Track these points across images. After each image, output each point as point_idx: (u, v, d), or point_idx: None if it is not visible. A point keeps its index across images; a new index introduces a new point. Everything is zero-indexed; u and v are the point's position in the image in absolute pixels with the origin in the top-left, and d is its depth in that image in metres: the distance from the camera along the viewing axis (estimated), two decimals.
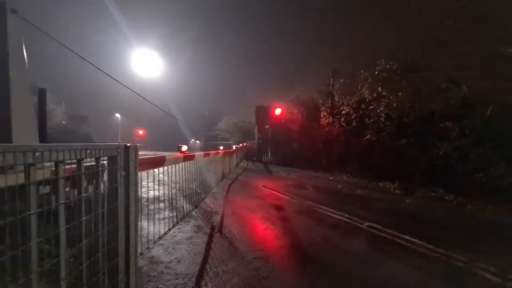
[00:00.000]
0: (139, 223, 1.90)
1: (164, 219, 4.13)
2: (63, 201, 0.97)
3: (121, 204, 1.37)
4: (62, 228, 0.96)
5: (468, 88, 8.22)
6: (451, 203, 6.36)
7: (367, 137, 11.28)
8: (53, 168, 1.09)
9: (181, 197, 4.85)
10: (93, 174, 1.24)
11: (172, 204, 4.34)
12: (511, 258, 3.21)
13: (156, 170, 4.00)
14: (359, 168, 11.11)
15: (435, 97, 9.00)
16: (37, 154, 0.79)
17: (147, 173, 3.75)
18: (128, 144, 1.46)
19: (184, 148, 4.83)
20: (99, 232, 1.23)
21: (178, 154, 4.50)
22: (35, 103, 2.98)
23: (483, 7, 8.23)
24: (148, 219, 3.87)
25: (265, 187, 8.14)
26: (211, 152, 7.24)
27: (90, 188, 1.26)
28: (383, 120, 10.70)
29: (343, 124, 13.24)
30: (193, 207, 5.06)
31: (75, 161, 1.14)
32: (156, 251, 3.12)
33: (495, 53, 7.43)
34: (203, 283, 2.46)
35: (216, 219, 4.52)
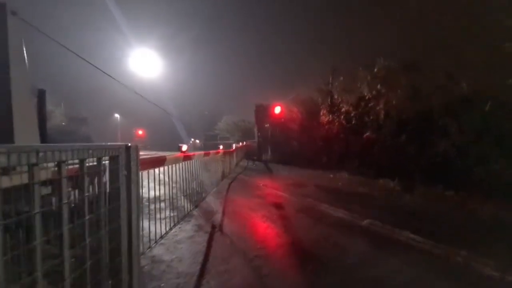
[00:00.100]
0: (140, 223, 1.91)
1: (165, 218, 4.14)
2: (67, 201, 0.98)
3: (123, 203, 1.38)
4: (66, 227, 0.97)
5: (467, 85, 8.22)
6: (450, 199, 6.38)
7: (367, 134, 11.29)
8: (54, 169, 1.10)
9: (182, 197, 4.87)
10: (95, 174, 1.25)
11: (172, 203, 4.35)
12: (511, 254, 3.23)
13: (156, 170, 4.02)
14: (359, 166, 11.11)
15: (434, 94, 9.00)
16: (40, 154, 0.80)
17: (148, 173, 3.75)
18: (129, 144, 1.47)
19: (184, 147, 4.85)
20: (102, 231, 1.24)
21: (179, 153, 4.52)
22: (35, 104, 2.99)
23: (482, 4, 8.23)
24: (149, 219, 3.88)
25: (265, 185, 8.16)
26: (211, 151, 7.25)
27: (92, 188, 1.27)
28: (382, 117, 10.70)
29: (343, 122, 13.25)
30: (193, 206, 5.08)
31: (76, 161, 1.15)
32: (158, 251, 3.14)
33: (494, 50, 7.44)
34: (205, 282, 2.47)
35: (217, 218, 4.54)
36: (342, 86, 13.95)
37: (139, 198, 1.69)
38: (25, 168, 0.87)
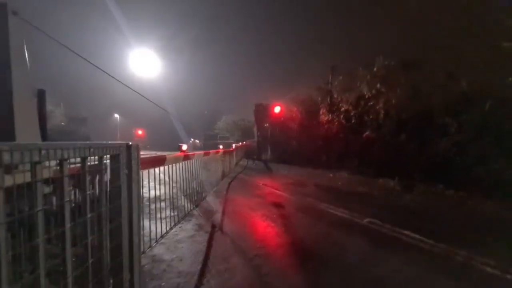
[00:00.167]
0: (141, 221, 1.92)
1: (165, 218, 4.14)
2: (69, 199, 0.99)
3: (124, 202, 1.39)
4: (68, 225, 0.97)
5: (467, 83, 8.23)
6: (450, 198, 6.39)
7: (366, 134, 11.30)
8: (56, 168, 1.10)
9: (182, 196, 4.87)
10: (96, 172, 1.25)
11: (173, 203, 4.36)
12: (511, 252, 3.24)
13: (157, 170, 4.02)
14: (359, 165, 11.13)
15: (434, 93, 9.01)
16: (42, 152, 0.81)
17: (148, 173, 3.76)
18: (130, 143, 1.48)
19: (185, 147, 4.85)
20: (103, 230, 1.25)
21: (179, 153, 4.52)
22: (35, 104, 2.99)
23: (482, 4, 8.24)
24: (149, 219, 3.88)
25: (265, 185, 8.16)
26: (211, 151, 7.25)
27: (93, 186, 1.28)
28: (382, 116, 10.71)
29: (342, 121, 13.26)
30: (194, 206, 5.08)
31: (77, 160, 1.16)
32: (158, 250, 3.14)
33: (494, 48, 7.45)
34: (205, 281, 2.48)
35: (217, 217, 4.54)
36: (341, 86, 13.96)
37: (140, 196, 1.69)
38: (27, 167, 0.88)
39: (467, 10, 8.57)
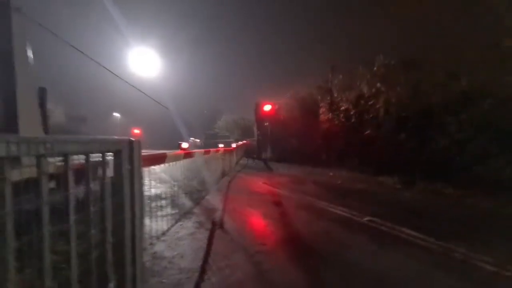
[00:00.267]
0: (143, 216, 1.93)
1: (166, 216, 4.16)
2: (72, 191, 1.00)
3: (127, 197, 1.40)
4: (73, 217, 0.99)
5: (467, 82, 8.24)
6: (450, 196, 6.41)
7: (367, 132, 11.31)
8: (58, 164, 1.11)
9: (183, 195, 4.89)
10: (99, 167, 1.27)
11: (173, 201, 4.38)
12: (509, 249, 3.25)
13: (158, 169, 4.03)
14: (359, 163, 11.15)
15: (434, 91, 9.02)
16: (47, 145, 0.82)
17: (149, 171, 3.77)
18: (132, 139, 1.49)
19: (185, 145, 4.86)
20: (106, 225, 1.26)
21: (179, 151, 4.53)
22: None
23: (481, 3, 8.23)
24: (150, 216, 3.90)
25: (265, 183, 8.18)
26: (211, 150, 7.27)
27: (96, 182, 1.29)
28: (382, 115, 10.72)
29: (342, 119, 13.28)
30: (194, 204, 5.10)
31: (80, 157, 1.17)
32: (159, 247, 3.15)
33: (494, 47, 7.45)
34: (207, 277, 2.49)
35: (218, 215, 4.55)
36: (341, 84, 13.98)
37: (142, 192, 1.70)
38: (31, 163, 0.89)
39: (466, 9, 8.57)
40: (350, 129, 12.65)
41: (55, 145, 0.86)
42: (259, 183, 8.34)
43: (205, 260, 2.84)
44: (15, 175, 0.81)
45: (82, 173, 1.17)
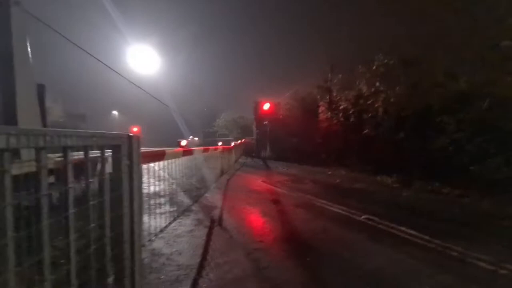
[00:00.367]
0: (142, 211, 1.93)
1: (164, 213, 4.17)
2: (72, 186, 1.01)
3: (126, 192, 1.41)
4: (72, 211, 0.99)
5: (466, 82, 8.26)
6: (447, 196, 6.44)
7: (365, 131, 11.34)
8: (57, 159, 1.12)
9: (181, 192, 4.89)
10: (98, 162, 1.28)
11: (172, 198, 4.38)
12: (506, 248, 3.28)
13: (156, 166, 4.03)
14: (357, 162, 11.18)
15: (433, 91, 9.03)
16: (47, 138, 0.82)
17: (148, 168, 3.77)
18: (131, 134, 1.49)
19: (184, 143, 4.86)
20: (105, 219, 1.27)
21: (178, 148, 4.53)
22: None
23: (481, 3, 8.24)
24: (149, 213, 3.91)
25: (264, 182, 8.20)
26: (210, 148, 7.27)
27: (95, 178, 1.29)
28: (381, 114, 10.74)
29: (342, 119, 13.30)
30: (193, 201, 5.10)
31: (79, 153, 1.18)
32: (157, 244, 3.16)
33: (493, 47, 7.46)
34: (205, 274, 2.50)
35: (216, 213, 4.56)
36: (341, 83, 13.99)
37: (141, 187, 1.71)
38: (30, 157, 0.90)
39: (466, 9, 8.56)
40: (349, 128, 12.68)
41: (55, 138, 0.86)
42: (258, 181, 8.35)
43: (204, 257, 2.85)
44: (15, 169, 0.81)
45: (81, 169, 1.17)
